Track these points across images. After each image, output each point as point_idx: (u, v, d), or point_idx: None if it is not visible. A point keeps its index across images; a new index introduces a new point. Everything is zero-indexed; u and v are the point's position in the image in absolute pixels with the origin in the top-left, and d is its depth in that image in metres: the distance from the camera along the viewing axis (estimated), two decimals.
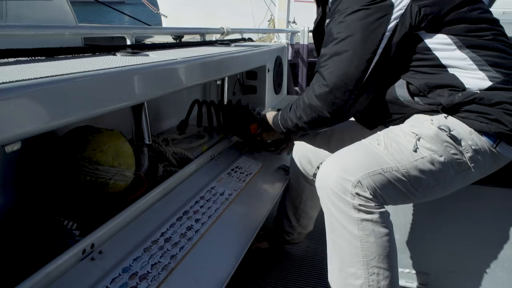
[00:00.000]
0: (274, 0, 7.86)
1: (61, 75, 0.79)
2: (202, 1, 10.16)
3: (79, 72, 0.84)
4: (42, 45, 1.13)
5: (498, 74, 1.07)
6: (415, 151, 1.08)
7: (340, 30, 1.11)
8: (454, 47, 1.09)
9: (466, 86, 1.08)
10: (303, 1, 8.26)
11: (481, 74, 1.08)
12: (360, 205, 1.06)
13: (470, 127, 1.08)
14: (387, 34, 1.08)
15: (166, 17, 10.40)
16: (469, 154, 1.09)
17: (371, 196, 1.06)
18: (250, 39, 2.36)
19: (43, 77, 0.75)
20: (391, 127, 1.19)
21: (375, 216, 1.06)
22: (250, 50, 1.83)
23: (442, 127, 1.08)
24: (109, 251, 0.93)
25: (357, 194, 1.05)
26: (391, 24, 1.08)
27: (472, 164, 1.09)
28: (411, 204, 1.43)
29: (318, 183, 1.14)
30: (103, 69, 0.92)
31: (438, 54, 1.10)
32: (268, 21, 8.38)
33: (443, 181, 1.10)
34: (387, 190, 1.08)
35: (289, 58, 2.44)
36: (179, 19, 10.01)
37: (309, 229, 1.70)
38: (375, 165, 1.08)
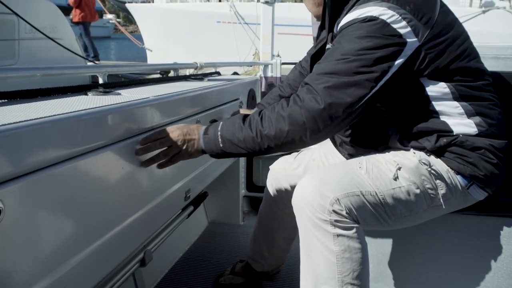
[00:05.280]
0: (258, 34, 8.08)
1: (26, 120, 0.78)
2: (187, 34, 10.27)
3: (49, 116, 0.84)
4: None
5: (484, 123, 1.13)
6: (395, 179, 1.12)
7: (348, 51, 1.05)
8: (450, 96, 1.12)
9: (455, 132, 1.13)
10: (287, 34, 8.50)
11: (469, 122, 1.13)
12: (336, 221, 1.06)
13: (448, 165, 1.14)
14: (393, 69, 1.05)
15: (151, 51, 10.48)
16: (442, 191, 1.14)
17: (346, 215, 1.07)
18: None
19: (8, 124, 0.75)
20: (374, 154, 1.21)
21: (351, 232, 1.07)
22: (223, 84, 1.84)
23: (423, 161, 1.13)
24: None
25: (334, 211, 1.06)
26: (399, 61, 1.05)
27: (444, 201, 1.14)
28: (384, 233, 1.43)
29: (295, 196, 1.12)
30: (73, 111, 0.92)
31: (434, 102, 1.12)
32: (253, 55, 8.52)
33: (415, 212, 1.14)
34: (362, 213, 1.09)
35: (263, 90, 2.50)
36: (165, 52, 10.04)
37: (281, 262, 1.68)
38: (354, 186, 1.09)
